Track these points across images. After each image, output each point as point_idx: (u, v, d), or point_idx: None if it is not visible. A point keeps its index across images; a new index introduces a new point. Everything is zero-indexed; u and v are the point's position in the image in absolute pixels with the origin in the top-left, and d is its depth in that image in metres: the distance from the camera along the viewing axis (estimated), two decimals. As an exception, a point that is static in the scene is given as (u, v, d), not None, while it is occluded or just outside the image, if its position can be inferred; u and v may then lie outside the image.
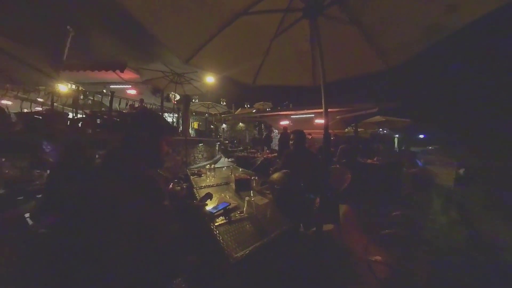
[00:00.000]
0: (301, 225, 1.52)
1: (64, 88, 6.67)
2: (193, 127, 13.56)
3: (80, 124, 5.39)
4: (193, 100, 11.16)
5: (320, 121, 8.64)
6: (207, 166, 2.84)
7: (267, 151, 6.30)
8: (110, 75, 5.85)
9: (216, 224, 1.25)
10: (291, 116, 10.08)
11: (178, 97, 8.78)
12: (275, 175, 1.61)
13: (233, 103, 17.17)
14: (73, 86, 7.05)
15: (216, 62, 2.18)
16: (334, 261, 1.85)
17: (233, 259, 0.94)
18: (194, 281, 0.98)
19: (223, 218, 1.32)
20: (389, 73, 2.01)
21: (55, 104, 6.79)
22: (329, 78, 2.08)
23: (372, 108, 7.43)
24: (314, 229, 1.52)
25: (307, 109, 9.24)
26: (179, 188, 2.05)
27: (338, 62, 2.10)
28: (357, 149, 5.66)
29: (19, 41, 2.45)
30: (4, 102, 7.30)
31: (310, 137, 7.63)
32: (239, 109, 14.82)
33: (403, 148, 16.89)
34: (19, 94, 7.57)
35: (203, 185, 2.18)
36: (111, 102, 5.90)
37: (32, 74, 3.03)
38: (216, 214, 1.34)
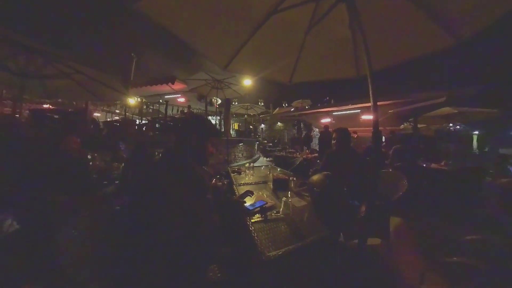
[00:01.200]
0: (341, 234, 1.37)
1: (132, 101, 8.31)
2: (234, 128, 14.28)
3: (144, 128, 6.65)
4: (233, 103, 11.73)
5: (367, 117, 7.56)
6: (247, 165, 2.94)
7: (307, 151, 5.95)
8: (164, 88, 6.88)
9: (252, 220, 1.28)
10: (333, 113, 9.27)
11: (219, 101, 9.42)
12: (315, 177, 1.49)
13: (271, 103, 17.21)
14: (138, 99, 8.60)
15: (251, 64, 2.23)
16: (377, 284, 1.54)
17: (266, 257, 0.94)
18: (227, 270, 1.04)
19: (259, 216, 1.34)
20: (460, 48, 1.55)
21: (127, 113, 8.64)
22: (377, 66, 1.82)
23: (438, 97, 5.85)
24: (356, 241, 1.32)
25: (352, 104, 8.27)
26: (220, 183, 2.22)
27: (386, 46, 1.81)
28: (417, 150, 4.65)
29: (102, 70, 3.25)
30: (96, 114, 9.53)
31: (356, 136, 6.81)
32: (277, 109, 14.72)
33: (486, 149, 12.99)
34: (104, 108, 9.85)
35: (242, 182, 2.27)
36: (166, 109, 7.17)
37: (111, 93, 3.90)
38: (253, 211, 1.37)
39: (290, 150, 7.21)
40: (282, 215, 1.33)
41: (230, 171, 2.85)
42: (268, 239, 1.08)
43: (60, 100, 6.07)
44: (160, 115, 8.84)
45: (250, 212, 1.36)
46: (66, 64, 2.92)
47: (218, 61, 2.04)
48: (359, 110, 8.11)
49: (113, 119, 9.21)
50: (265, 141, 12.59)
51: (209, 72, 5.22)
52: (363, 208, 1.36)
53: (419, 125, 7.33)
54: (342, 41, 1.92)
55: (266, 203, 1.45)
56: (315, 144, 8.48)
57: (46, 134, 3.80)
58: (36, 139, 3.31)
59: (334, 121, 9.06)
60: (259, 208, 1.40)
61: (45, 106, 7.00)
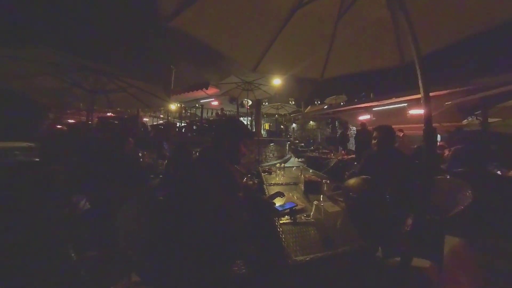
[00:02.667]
0: (380, 249, 1.18)
1: (173, 106, 9.39)
2: (265, 128, 14.41)
3: (183, 130, 7.45)
4: (264, 103, 11.83)
5: (417, 111, 6.45)
6: (277, 165, 2.90)
7: (343, 151, 5.45)
8: (199, 93, 7.50)
9: (280, 221, 1.26)
10: (373, 109, 8.22)
11: (250, 102, 9.64)
12: (352, 181, 1.35)
13: (302, 101, 16.56)
14: (178, 105, 9.55)
15: (280, 63, 2.19)
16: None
17: (292, 261, 0.92)
18: (252, 267, 1.05)
19: (288, 218, 1.30)
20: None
21: (169, 117, 9.76)
22: (426, 49, 1.55)
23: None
24: (398, 259, 1.10)
25: (396, 98, 7.16)
26: (251, 182, 2.27)
27: (436, 23, 1.51)
28: (487, 153, 3.62)
29: (148, 82, 3.82)
30: (145, 119, 11.01)
31: (402, 134, 5.82)
32: (309, 107, 14.08)
33: None
34: (151, 114, 11.31)
35: (273, 182, 2.26)
36: (201, 113, 7.79)
37: (156, 101, 4.50)
38: (282, 212, 1.35)
39: (324, 150, 6.73)
40: (312, 219, 1.27)
41: (260, 170, 2.87)
42: (295, 242, 1.04)
43: (118, 109, 7.30)
44: (197, 118, 9.64)
45: (279, 213, 1.34)
46: (123, 80, 3.54)
47: (247, 64, 2.08)
48: (405, 104, 6.99)
49: (158, 123, 10.51)
50: (297, 141, 12.20)
51: (239, 75, 5.41)
52: (410, 221, 1.16)
53: (490, 120, 5.61)
54: (380, 25, 1.67)
55: (296, 205, 1.40)
56: (351, 144, 7.74)
57: (109, 135, 4.71)
58: (102, 139, 4.21)
59: (374, 118, 8.10)
60: (288, 210, 1.36)
61: (108, 114, 8.47)
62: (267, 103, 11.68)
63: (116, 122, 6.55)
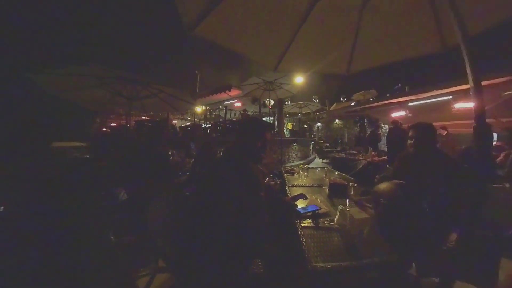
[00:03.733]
0: (414, 265, 1.03)
1: (199, 109, 9.96)
2: (288, 128, 14.14)
3: (208, 131, 7.83)
4: (286, 103, 11.64)
5: (465, 105, 5.43)
6: (300, 166, 2.82)
7: (373, 153, 4.92)
8: (222, 95, 7.78)
9: (302, 225, 1.22)
10: (409, 104, 7.19)
11: (272, 102, 9.58)
12: (383, 186, 1.19)
13: (326, 99, 15.79)
14: (203, 107, 10.03)
15: (302, 61, 2.12)
16: None
17: (311, 267, 0.87)
18: (270, 267, 1.03)
19: (311, 221, 1.26)
20: None
21: (195, 119, 10.34)
22: (474, 29, 1.33)
23: None
24: (437, 280, 0.92)
25: (438, 89, 6.14)
26: (273, 183, 2.26)
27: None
28: None
29: (176, 88, 4.28)
30: (174, 121, 11.87)
31: (445, 133, 5.00)
32: (334, 105, 13.30)
33: None
34: (179, 116, 12.15)
35: (295, 183, 2.21)
36: (225, 114, 8.07)
37: (183, 104, 4.95)
38: (304, 215, 1.30)
39: (351, 151, 6.20)
40: (336, 225, 1.19)
41: (283, 171, 2.83)
42: (317, 248, 0.99)
43: (151, 113, 8.03)
44: (221, 119, 10.00)
45: (301, 216, 1.29)
46: (154, 87, 3.95)
47: (268, 64, 2.07)
48: (449, 97, 5.94)
49: (186, 125, 11.19)
50: (322, 141, 11.65)
51: (261, 76, 5.44)
52: (454, 237, 1.00)
53: None
54: (414, 5, 1.47)
55: (320, 209, 1.33)
56: (383, 145, 7.00)
57: (144, 136, 5.28)
58: (138, 140, 4.80)
59: (410, 114, 7.16)
60: (311, 213, 1.31)
61: (143, 117, 9.37)
62: (289, 102, 11.46)
63: (149, 124, 7.21)
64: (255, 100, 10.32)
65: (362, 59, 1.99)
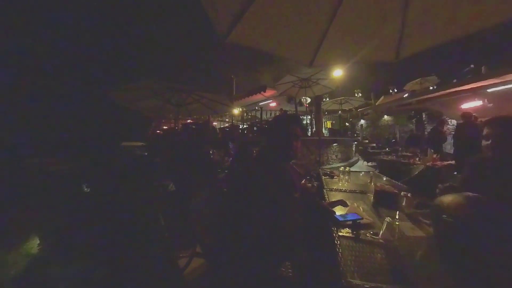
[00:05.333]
0: None
1: (236, 111, 10.43)
2: (326, 127, 13.26)
3: (245, 131, 8.15)
4: (324, 99, 10.93)
5: None
6: (341, 168, 2.61)
7: (434, 155, 3.84)
8: (257, 97, 7.95)
9: (340, 233, 1.12)
10: (488, 90, 5.38)
11: (309, 100, 9.19)
12: (448, 198, 0.94)
13: (372, 92, 13.96)
14: (240, 109, 10.45)
15: (340, 52, 1.94)
16: None
17: (346, 282, 0.78)
18: (299, 272, 0.99)
19: (350, 231, 1.14)
20: None
21: (233, 121, 10.87)
22: None
23: None
24: None
25: None
26: (310, 185, 2.17)
27: None
28: None
29: (215, 93, 4.81)
30: (214, 123, 12.81)
31: None
32: (382, 98, 11.54)
33: None
34: (218, 118, 13.07)
35: (334, 187, 2.06)
36: (261, 114, 8.22)
37: (222, 107, 5.46)
38: (342, 223, 1.20)
39: (405, 153, 5.07)
40: (381, 240, 1.04)
41: (321, 173, 2.68)
42: (355, 262, 0.88)
43: (195, 116, 8.90)
44: (257, 120, 10.21)
45: (339, 224, 1.19)
46: (197, 94, 4.54)
47: (302, 60, 1.99)
48: None
49: (224, 126, 11.90)
50: (366, 141, 10.40)
51: (295, 73, 5.29)
52: None
53: None
54: None
55: (361, 219, 1.20)
56: (449, 146, 5.38)
57: (189, 137, 6.03)
58: (185, 140, 5.54)
59: (490, 104, 5.54)
60: (350, 222, 1.19)
61: (188, 121, 10.48)
62: (328, 99, 10.73)
63: (194, 127, 8.14)
64: (290, 99, 10.10)
65: (414, 40, 1.64)
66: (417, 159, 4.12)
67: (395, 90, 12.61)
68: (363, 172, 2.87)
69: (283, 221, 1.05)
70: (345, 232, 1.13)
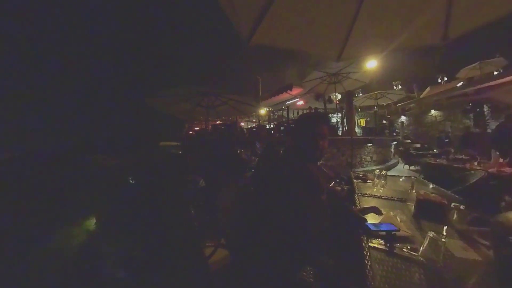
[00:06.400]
0: None
1: (262, 111, 10.55)
2: (360, 125, 12.26)
3: (272, 131, 8.19)
4: (356, 95, 10.07)
5: None
6: (376, 172, 2.36)
7: (501, 159, 3.07)
8: (284, 96, 7.84)
9: (370, 244, 1.01)
10: None
11: (339, 96, 8.64)
12: None
13: (414, 83, 12.15)
14: (266, 109, 10.51)
15: (372, 40, 1.75)
16: None
17: None
18: (321, 279, 0.93)
19: (382, 242, 1.02)
20: None
21: (260, 121, 10.97)
22: None
23: None
24: None
25: None
26: (339, 188, 2.05)
27: None
28: None
29: (242, 94, 5.16)
30: (241, 124, 13.19)
31: None
32: (427, 89, 9.75)
33: None
34: (245, 119, 13.39)
35: (367, 193, 1.88)
36: (287, 113, 8.14)
37: (249, 108, 5.86)
38: (374, 232, 1.08)
39: (458, 156, 4.23)
40: (420, 257, 0.89)
41: (352, 176, 2.49)
42: (386, 278, 0.78)
43: (223, 117, 9.30)
44: (284, 119, 10.09)
45: (370, 233, 1.08)
46: (224, 96, 4.83)
47: (330, 54, 1.89)
48: None
49: (252, 126, 12.11)
50: (408, 141, 9.11)
51: (322, 69, 5.04)
52: None
53: None
54: None
55: (398, 230, 1.07)
56: None
57: (218, 137, 6.43)
58: (214, 140, 6.00)
59: None
60: (384, 233, 1.07)
61: (217, 122, 11.03)
62: (361, 94, 9.88)
63: (222, 127, 8.63)
64: (319, 97, 9.65)
65: (466, 14, 1.35)
66: (475, 163, 3.40)
67: (445, 79, 10.71)
68: (403, 177, 2.56)
69: (307, 223, 1.02)
70: (377, 243, 1.02)
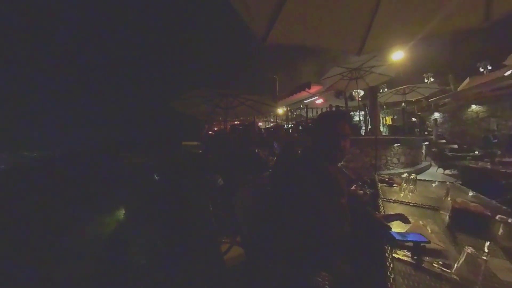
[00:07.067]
0: None
1: (280, 110, 10.50)
2: (385, 123, 11.39)
3: (290, 131, 8.09)
4: (381, 90, 9.38)
5: None
6: (404, 175, 2.16)
7: None
8: (302, 94, 7.69)
9: (394, 254, 0.92)
10: None
11: (362, 93, 8.15)
12: None
13: (450, 74, 10.71)
14: (284, 108, 10.37)
15: (397, 29, 1.60)
16: None
17: None
18: (337, 285, 0.88)
19: (409, 254, 0.93)
20: None
21: (277, 120, 10.90)
22: None
23: None
24: None
25: None
26: (361, 192, 1.93)
27: None
28: None
29: (259, 95, 5.16)
30: (259, 123, 13.27)
31: None
32: (466, 81, 8.43)
33: None
34: (263, 119, 13.40)
35: (393, 198, 1.73)
36: (306, 112, 7.94)
37: (267, 108, 5.86)
38: (400, 242, 0.99)
39: (506, 159, 3.68)
40: (454, 276, 0.78)
41: (377, 179, 2.33)
42: None
43: (241, 118, 9.46)
44: (302, 119, 9.88)
45: (395, 243, 0.98)
46: (242, 97, 4.97)
47: (349, 49, 1.78)
48: None
49: (269, 126, 12.08)
50: (443, 141, 8.17)
51: (341, 64, 4.78)
52: None
53: None
54: None
55: (428, 242, 0.96)
56: None
57: (237, 137, 6.62)
58: (233, 140, 6.16)
59: None
60: (412, 244, 0.97)
61: (236, 122, 11.25)
62: (386, 89, 9.18)
63: (240, 127, 8.80)
64: (339, 94, 9.22)
65: None
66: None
67: (489, 68, 9.31)
68: (436, 182, 2.30)
69: (324, 227, 0.98)
70: (402, 254, 0.93)
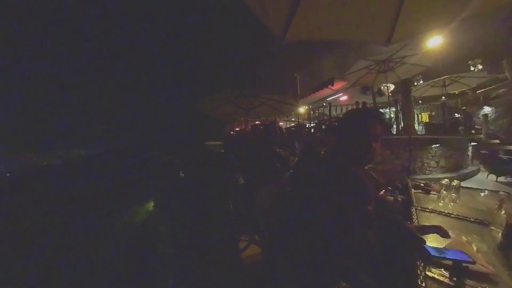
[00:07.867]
0: None
1: (302, 109, 10.37)
2: (421, 121, 10.20)
3: (312, 130, 7.85)
4: (416, 83, 8.41)
5: None
6: (444, 181, 1.91)
7: None
8: (325, 92, 7.37)
9: (428, 272, 0.82)
10: None
11: (392, 87, 7.45)
12: None
13: (503, 59, 8.40)
14: (306, 107, 10.11)
15: (433, 10, 1.40)
16: None
17: None
18: None
19: (446, 274, 0.81)
20: None
21: (299, 120, 10.68)
22: None
23: None
24: None
25: None
26: (391, 198, 1.79)
27: None
28: None
29: (279, 94, 5.26)
30: (280, 123, 13.16)
31: None
32: None
33: None
34: (284, 118, 13.34)
35: (430, 207, 1.54)
36: (329, 111, 7.58)
37: (288, 107, 5.89)
38: (435, 259, 0.88)
39: None
40: None
41: (410, 185, 2.12)
42: None
43: (262, 118, 9.50)
44: (325, 117, 9.46)
45: (430, 258, 0.87)
46: (263, 97, 5.07)
47: (376, 39, 1.64)
48: None
49: (291, 125, 11.88)
50: (496, 141, 6.93)
51: (368, 57, 4.39)
52: None
53: None
54: None
55: (473, 262, 0.83)
56: None
57: (258, 137, 6.70)
58: (254, 140, 6.37)
59: None
60: (451, 262, 0.85)
61: (257, 122, 11.36)
62: (421, 82, 8.20)
63: (261, 127, 8.87)
64: (365, 89, 8.59)
65: None
66: None
67: None
68: (486, 191, 1.98)
69: (347, 235, 0.92)
70: (437, 273, 0.82)
